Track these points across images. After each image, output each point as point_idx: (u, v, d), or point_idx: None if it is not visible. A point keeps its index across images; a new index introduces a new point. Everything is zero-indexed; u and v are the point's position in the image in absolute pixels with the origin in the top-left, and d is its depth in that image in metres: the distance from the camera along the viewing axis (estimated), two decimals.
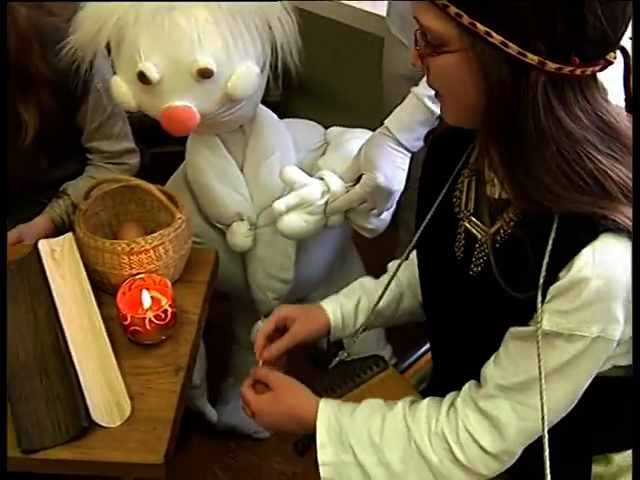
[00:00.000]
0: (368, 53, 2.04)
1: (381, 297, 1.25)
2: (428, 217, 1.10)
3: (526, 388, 0.92)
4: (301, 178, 1.46)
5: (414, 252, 1.27)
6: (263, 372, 1.16)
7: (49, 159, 1.71)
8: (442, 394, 1.05)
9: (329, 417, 1.04)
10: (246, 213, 1.57)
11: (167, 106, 1.32)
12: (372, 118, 1.47)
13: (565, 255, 0.84)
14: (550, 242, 0.85)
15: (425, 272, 1.17)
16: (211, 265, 1.47)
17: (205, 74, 1.29)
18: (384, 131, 1.36)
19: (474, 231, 1.01)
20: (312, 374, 2.11)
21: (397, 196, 1.41)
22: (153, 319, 1.25)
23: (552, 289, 0.86)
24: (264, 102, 1.56)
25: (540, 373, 0.88)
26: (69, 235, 1.43)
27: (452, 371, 1.13)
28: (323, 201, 1.45)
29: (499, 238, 0.95)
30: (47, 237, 1.64)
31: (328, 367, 1.31)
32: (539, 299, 0.86)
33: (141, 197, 1.51)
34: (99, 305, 1.34)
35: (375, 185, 1.36)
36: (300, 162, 1.60)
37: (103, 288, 1.39)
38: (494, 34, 0.78)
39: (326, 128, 1.73)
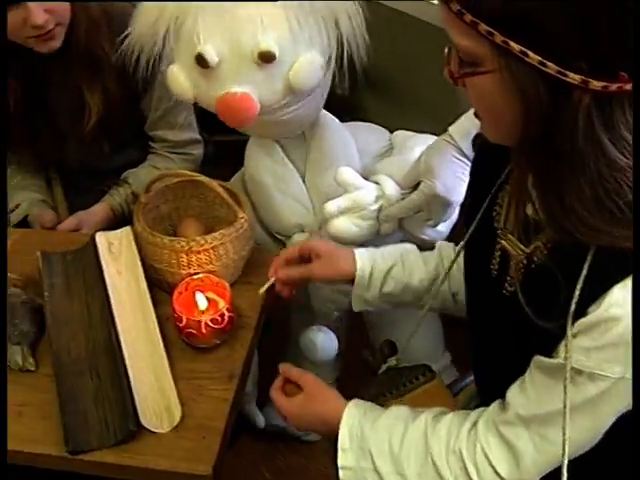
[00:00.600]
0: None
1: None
2: (471, 228, 1.05)
3: (546, 421, 0.89)
4: (355, 181, 1.39)
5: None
6: (296, 373, 1.15)
7: (111, 145, 1.69)
8: None
9: (353, 422, 1.03)
10: (308, 224, 1.52)
11: (225, 92, 1.25)
12: (445, 121, 1.40)
13: (596, 290, 0.80)
14: (582, 275, 0.80)
15: (467, 283, 1.12)
16: None
17: (267, 58, 1.22)
18: (447, 138, 1.29)
19: (510, 249, 0.95)
20: (363, 377, 2.10)
21: (455, 208, 1.34)
22: (209, 322, 1.20)
23: (578, 324, 0.82)
24: (331, 96, 1.49)
25: (564, 407, 0.84)
26: (127, 229, 1.39)
27: (491, 389, 1.08)
28: (376, 206, 1.39)
29: (535, 259, 0.90)
30: (105, 226, 1.64)
31: (377, 372, 1.27)
32: (569, 333, 0.82)
33: (203, 192, 1.46)
34: (154, 303, 1.30)
35: (432, 194, 1.29)
36: (364, 169, 1.53)
37: (159, 285, 1.35)
38: (530, 53, 0.72)
39: (392, 131, 1.65)
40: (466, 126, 1.26)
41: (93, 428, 1.13)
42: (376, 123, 2.52)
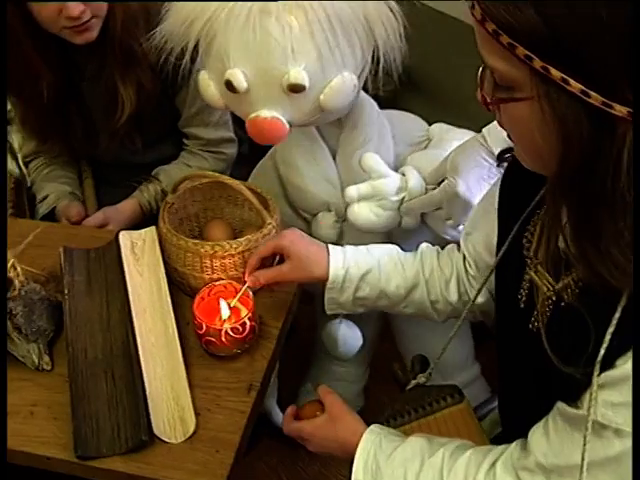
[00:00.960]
0: None
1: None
2: (501, 253, 1.00)
3: (566, 474, 0.84)
4: (380, 168, 1.34)
5: (462, 237, 1.20)
6: (324, 390, 1.15)
7: (144, 140, 1.66)
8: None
9: (369, 453, 1.01)
10: (334, 204, 1.46)
11: (255, 115, 1.22)
12: (487, 122, 1.33)
13: (627, 340, 0.74)
14: (614, 323, 0.74)
15: (497, 307, 1.07)
16: None
17: (296, 89, 1.18)
18: (480, 139, 1.24)
19: (540, 283, 0.89)
20: (391, 392, 2.05)
21: None
22: (230, 332, 1.16)
23: (605, 376, 0.76)
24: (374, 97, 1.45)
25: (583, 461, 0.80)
26: (152, 229, 1.35)
27: (513, 419, 1.06)
28: (398, 198, 1.34)
29: (565, 297, 0.84)
30: (133, 222, 1.61)
31: (406, 387, 1.23)
32: (595, 383, 0.76)
33: (232, 194, 1.42)
34: (175, 306, 1.26)
35: (453, 192, 1.24)
36: (398, 156, 1.48)
37: (181, 288, 1.31)
38: (572, 81, 0.66)
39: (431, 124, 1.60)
40: (501, 129, 1.20)
41: (104, 434, 1.09)
42: None
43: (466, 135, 1.42)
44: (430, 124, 1.63)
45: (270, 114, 1.21)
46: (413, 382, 1.21)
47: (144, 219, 1.66)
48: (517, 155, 0.83)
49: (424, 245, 1.25)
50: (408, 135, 1.51)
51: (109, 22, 1.46)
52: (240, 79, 1.18)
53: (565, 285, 0.83)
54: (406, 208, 1.35)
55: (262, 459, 1.91)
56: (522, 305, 0.93)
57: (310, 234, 1.49)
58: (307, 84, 1.17)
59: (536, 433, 0.89)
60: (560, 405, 0.84)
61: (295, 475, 1.90)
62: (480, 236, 1.14)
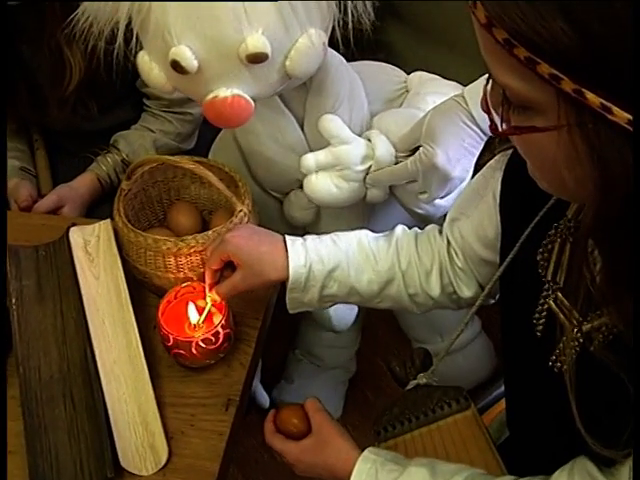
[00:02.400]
0: None
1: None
2: (506, 262, 0.86)
3: None
4: (341, 133, 1.16)
5: (447, 222, 1.05)
6: (311, 406, 1.02)
7: (99, 105, 1.47)
8: (518, 454, 0.93)
9: None
10: None
11: (212, 96, 1.01)
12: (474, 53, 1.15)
13: None
14: None
15: (503, 323, 0.93)
16: None
17: (257, 59, 0.97)
18: (459, 100, 1.06)
19: (561, 316, 0.75)
20: (384, 354, 1.95)
21: (458, 184, 1.11)
22: (201, 343, 1.02)
23: None
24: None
25: None
26: (106, 222, 1.18)
27: (526, 430, 0.94)
28: (363, 167, 1.16)
29: (596, 342, 0.69)
30: (92, 200, 1.45)
31: (404, 387, 1.10)
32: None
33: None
34: (138, 306, 1.11)
35: (431, 163, 1.06)
36: (373, 116, 1.27)
37: (145, 286, 1.16)
38: (615, 109, 0.50)
39: (409, 73, 1.40)
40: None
41: (65, 470, 0.96)
42: (402, 59, 2.28)
43: (444, 88, 1.24)
44: (416, 60, 1.44)
45: (230, 92, 1.01)
46: (413, 382, 1.08)
47: (104, 194, 1.50)
48: (532, 176, 0.67)
49: (399, 229, 1.09)
50: (384, 90, 1.31)
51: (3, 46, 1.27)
52: (189, 57, 0.97)
53: (595, 327, 0.69)
54: (372, 179, 1.18)
55: (251, 435, 1.80)
56: (539, 334, 0.79)
57: (282, 215, 1.34)
58: (269, 51, 0.97)
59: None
60: (589, 467, 0.71)
61: None
62: (470, 224, 0.99)
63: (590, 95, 0.51)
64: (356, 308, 1.51)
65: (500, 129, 0.62)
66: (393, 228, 1.10)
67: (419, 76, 1.35)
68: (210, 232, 1.09)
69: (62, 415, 1.01)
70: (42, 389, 1.04)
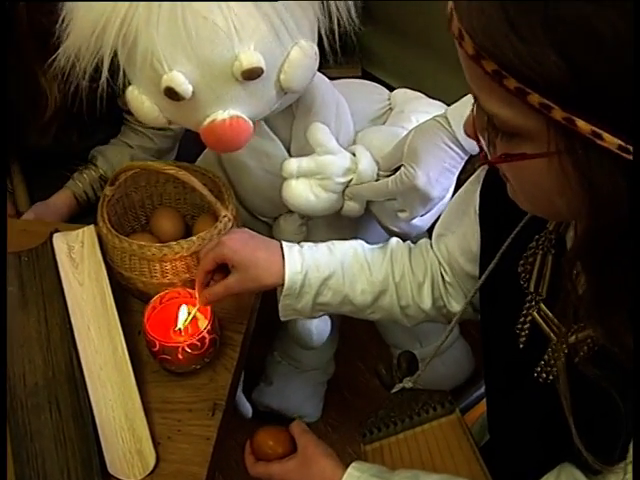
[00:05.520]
0: None
1: None
2: (486, 274, 0.87)
3: None
4: (327, 143, 1.17)
5: (434, 238, 1.08)
6: (298, 430, 1.01)
7: (79, 131, 1.43)
8: (499, 457, 0.94)
9: None
10: None
11: (210, 120, 1.01)
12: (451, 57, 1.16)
13: None
14: None
15: (484, 335, 0.94)
16: None
17: (252, 75, 0.97)
18: (442, 121, 1.07)
19: (545, 327, 0.76)
20: (364, 358, 1.96)
21: (437, 203, 1.13)
22: (187, 348, 1.02)
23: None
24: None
25: None
26: (90, 228, 1.18)
27: (507, 437, 0.95)
28: (344, 180, 1.18)
29: (581, 353, 0.70)
30: (70, 217, 1.43)
31: (391, 388, 1.10)
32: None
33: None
34: (123, 312, 1.11)
35: (411, 184, 1.07)
36: (358, 135, 1.29)
37: (130, 292, 1.16)
38: (606, 135, 0.51)
39: (403, 76, 1.42)
40: (468, 111, 1.03)
41: (52, 478, 0.95)
42: (386, 66, 2.29)
43: (428, 107, 1.27)
44: (399, 66, 1.46)
45: (227, 114, 1.01)
46: (399, 385, 1.09)
47: (81, 211, 1.48)
48: (514, 199, 0.67)
49: (394, 241, 1.10)
50: (368, 109, 1.33)
51: (12, 10, 1.21)
52: (182, 82, 0.97)
53: (579, 338, 0.70)
54: (352, 193, 1.19)
55: (231, 436, 1.80)
56: (522, 345, 0.80)
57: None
58: (264, 65, 0.98)
59: None
60: (577, 474, 0.73)
61: None
62: (455, 239, 1.01)
63: (581, 122, 0.51)
64: (329, 322, 1.51)
65: (489, 157, 0.62)
66: (387, 240, 1.11)
67: (403, 93, 1.37)
68: (194, 238, 1.09)
69: (48, 422, 1.01)
70: (27, 396, 1.03)
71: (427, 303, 1.05)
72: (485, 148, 0.63)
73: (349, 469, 0.91)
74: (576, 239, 0.64)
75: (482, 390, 1.24)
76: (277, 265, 1.01)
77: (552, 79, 0.51)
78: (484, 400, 1.18)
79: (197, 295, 1.05)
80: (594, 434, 0.68)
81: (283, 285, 1.01)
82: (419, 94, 1.36)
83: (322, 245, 1.06)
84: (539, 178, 0.58)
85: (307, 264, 1.02)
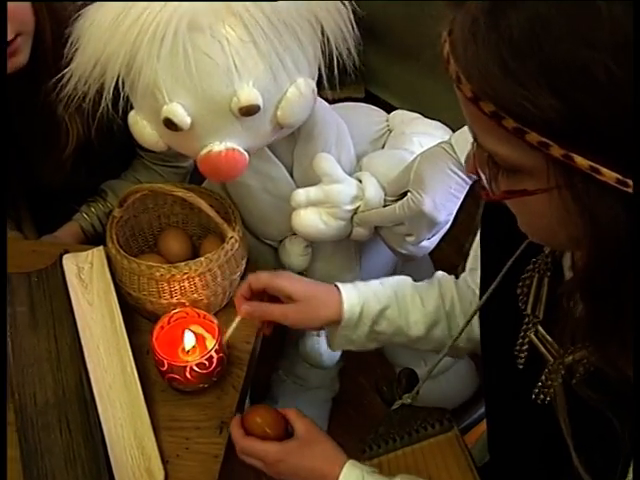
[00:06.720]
0: None
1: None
2: (487, 294, 0.88)
3: None
4: (334, 172, 1.19)
5: (466, 277, 1.08)
6: (294, 414, 1.02)
7: (90, 167, 1.40)
8: (499, 478, 0.94)
9: None
10: None
11: (207, 151, 1.04)
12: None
13: None
14: None
15: (484, 354, 0.94)
16: None
17: (250, 112, 1.00)
18: (447, 148, 1.09)
19: (542, 348, 0.78)
20: (367, 374, 1.97)
21: (443, 227, 1.15)
22: (195, 367, 1.04)
23: None
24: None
25: None
26: (100, 250, 1.20)
27: (507, 457, 0.95)
28: (352, 207, 1.19)
29: (577, 374, 0.71)
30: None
31: (392, 405, 1.12)
32: None
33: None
34: (132, 332, 1.13)
35: (418, 210, 1.09)
36: (359, 157, 1.31)
37: (138, 312, 1.18)
38: (604, 170, 0.53)
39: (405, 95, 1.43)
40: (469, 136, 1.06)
41: None
42: (389, 87, 2.31)
43: (428, 128, 1.29)
44: (405, 85, 1.47)
45: (224, 146, 1.03)
46: (398, 402, 1.11)
47: (88, 243, 1.46)
48: (523, 230, 0.69)
49: (440, 274, 1.12)
50: (368, 131, 1.35)
51: (39, 40, 1.19)
52: (181, 114, 0.99)
53: (576, 360, 0.71)
54: (361, 219, 1.21)
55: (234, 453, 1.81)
56: (521, 367, 0.81)
57: (277, 261, 1.36)
58: (261, 103, 1.00)
59: None
60: None
61: None
62: None
63: (579, 159, 0.53)
64: None
65: (491, 194, 0.64)
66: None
67: (401, 114, 1.39)
68: (202, 258, 1.11)
69: (58, 441, 1.02)
70: (38, 415, 1.05)
71: (477, 332, 1.04)
72: (486, 184, 0.64)
73: (352, 460, 0.94)
74: (576, 270, 0.66)
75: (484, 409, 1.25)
76: (335, 299, 1.03)
77: (549, 120, 0.52)
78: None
79: (236, 303, 1.06)
80: (593, 455, 0.69)
81: (339, 320, 1.03)
82: (417, 115, 1.37)
83: (373, 281, 1.08)
84: (541, 211, 0.60)
85: (365, 295, 1.04)
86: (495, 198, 0.64)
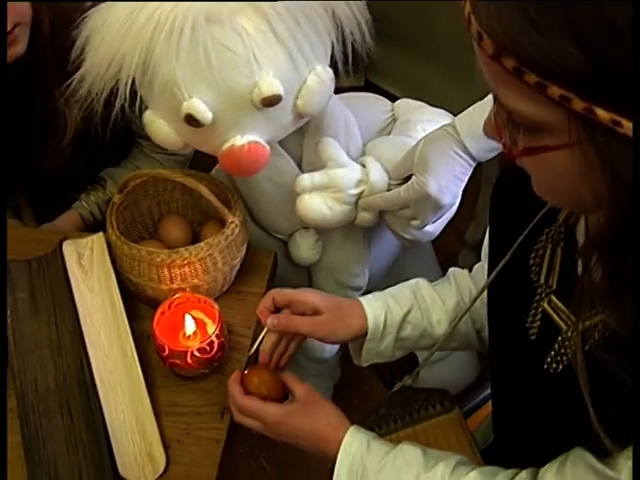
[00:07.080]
0: None
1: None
2: (496, 271, 0.87)
3: None
4: (338, 156, 1.19)
5: (479, 266, 1.07)
6: (291, 379, 0.99)
7: (88, 157, 1.41)
8: (503, 458, 0.90)
9: (354, 456, 0.88)
10: None
11: (229, 146, 1.03)
12: (460, 69, 1.18)
13: None
14: None
15: (491, 330, 0.94)
16: (267, 272, 1.24)
17: (272, 102, 0.99)
18: (451, 130, 1.08)
19: (555, 317, 0.78)
20: (375, 390, 1.97)
21: (448, 210, 1.15)
22: (196, 352, 1.04)
23: None
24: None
25: None
26: (100, 236, 1.20)
27: (513, 435, 0.94)
28: (356, 191, 1.19)
29: (592, 340, 0.71)
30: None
31: (392, 387, 1.13)
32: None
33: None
34: (132, 318, 1.13)
35: (423, 192, 1.09)
36: (366, 144, 1.31)
37: (138, 298, 1.18)
38: (625, 122, 0.53)
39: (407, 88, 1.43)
40: (475, 120, 1.05)
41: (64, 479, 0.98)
42: (389, 76, 2.31)
43: (433, 116, 1.29)
44: (406, 81, 1.47)
45: (246, 139, 1.03)
46: (399, 384, 1.11)
47: (88, 230, 1.44)
48: (540, 195, 0.69)
49: (453, 269, 1.12)
50: (374, 121, 1.34)
51: (37, 30, 1.20)
52: (202, 109, 0.98)
53: (592, 325, 0.71)
54: (365, 204, 1.20)
55: (239, 442, 1.81)
56: (533, 337, 0.81)
57: (286, 256, 1.36)
58: (282, 93, 0.99)
59: (549, 472, 0.79)
60: (586, 457, 0.72)
61: (275, 459, 1.81)
62: None
63: (600, 111, 0.53)
64: None
65: (512, 151, 0.64)
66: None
67: (406, 103, 1.38)
68: (202, 244, 1.11)
69: (60, 426, 1.02)
70: (39, 401, 1.05)
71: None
72: (508, 143, 0.64)
73: (355, 425, 0.92)
74: (594, 230, 0.65)
75: (487, 392, 1.25)
76: (359, 311, 1.03)
77: (571, 70, 0.52)
78: (489, 402, 1.20)
79: (260, 316, 1.04)
80: (611, 418, 0.68)
81: (364, 333, 1.03)
82: (421, 103, 1.37)
83: (390, 289, 1.08)
84: (563, 169, 0.60)
85: (387, 303, 1.04)
86: (516, 156, 0.64)
